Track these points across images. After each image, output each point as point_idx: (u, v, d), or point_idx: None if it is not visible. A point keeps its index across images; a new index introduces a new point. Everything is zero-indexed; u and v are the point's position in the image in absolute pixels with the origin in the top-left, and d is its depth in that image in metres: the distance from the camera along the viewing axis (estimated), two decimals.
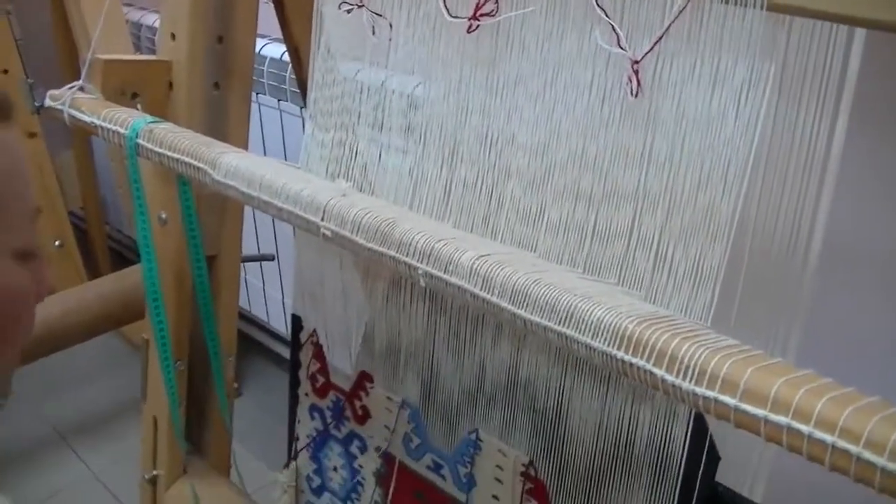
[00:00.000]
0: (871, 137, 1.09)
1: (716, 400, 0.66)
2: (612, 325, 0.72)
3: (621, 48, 0.84)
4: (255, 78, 1.59)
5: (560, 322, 0.75)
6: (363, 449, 1.18)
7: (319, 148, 1.17)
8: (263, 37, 2.28)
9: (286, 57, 2.18)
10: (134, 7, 3.04)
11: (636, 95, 0.83)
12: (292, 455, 1.31)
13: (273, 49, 2.32)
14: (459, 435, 1.04)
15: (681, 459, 0.84)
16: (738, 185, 0.79)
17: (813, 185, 0.80)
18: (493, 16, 0.93)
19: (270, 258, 2.35)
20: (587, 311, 0.74)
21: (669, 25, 0.80)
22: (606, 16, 0.84)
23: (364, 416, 1.17)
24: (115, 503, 2.44)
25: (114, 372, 2.85)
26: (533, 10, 0.90)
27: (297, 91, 2.11)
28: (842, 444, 0.59)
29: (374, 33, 1.06)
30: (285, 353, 1.22)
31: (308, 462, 1.29)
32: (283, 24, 1.77)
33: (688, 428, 0.83)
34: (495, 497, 1.01)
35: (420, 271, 0.87)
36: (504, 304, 0.79)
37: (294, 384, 1.28)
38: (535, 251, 0.93)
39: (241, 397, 2.82)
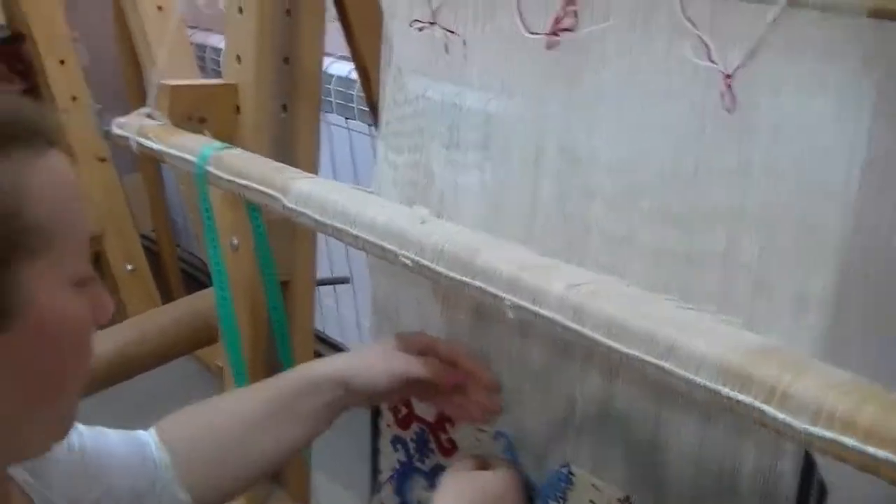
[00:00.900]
0: None
1: (835, 441, 0.61)
2: (716, 358, 0.67)
3: (711, 61, 0.79)
4: (322, 97, 1.55)
5: (660, 356, 0.70)
6: None
7: (393, 171, 1.13)
8: (329, 55, 2.26)
9: (353, 74, 2.15)
10: (199, 29, 3.05)
11: (729, 109, 0.78)
12: (374, 488, 1.27)
13: (340, 67, 2.30)
14: (550, 467, 1.00)
15: (790, 496, 0.79)
16: (845, 200, 0.73)
17: None
18: (572, 31, 0.89)
19: (345, 281, 2.33)
20: (688, 343, 0.69)
21: (762, 36, 0.76)
22: (695, 27, 0.80)
23: (451, 449, 1.13)
24: None
25: (190, 396, 2.84)
26: (614, 23, 0.86)
27: (366, 109, 2.09)
28: None
29: (447, 51, 1.02)
30: None
31: (392, 496, 1.25)
32: (351, 43, 1.74)
33: (797, 463, 0.78)
34: None
35: (507, 303, 0.82)
36: (599, 337, 0.75)
37: (375, 415, 1.24)
38: (625, 278, 0.88)
39: None
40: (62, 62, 2.94)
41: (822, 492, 0.79)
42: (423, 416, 1.16)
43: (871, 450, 0.59)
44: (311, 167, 1.54)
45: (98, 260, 3.19)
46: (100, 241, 3.04)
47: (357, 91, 2.23)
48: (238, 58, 1.41)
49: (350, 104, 2.29)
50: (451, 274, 0.88)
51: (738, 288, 0.79)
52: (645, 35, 0.84)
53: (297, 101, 1.50)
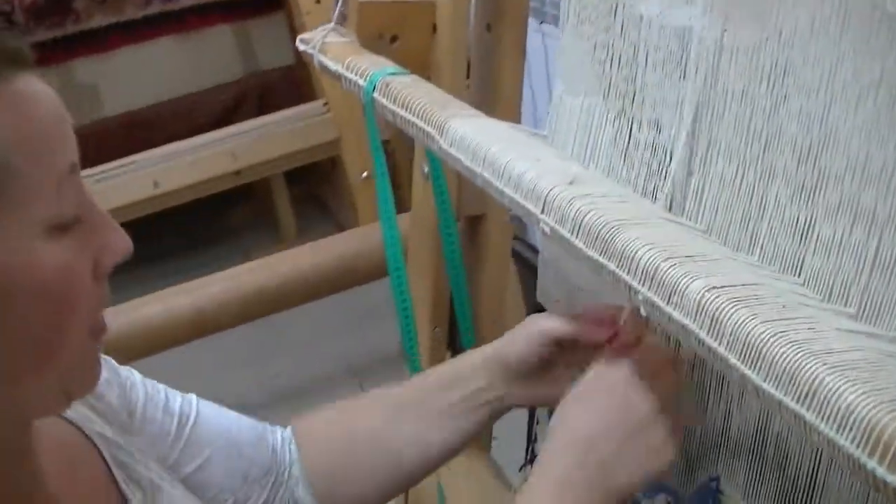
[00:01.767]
0: None
1: None
2: (866, 419, 0.52)
3: None
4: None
5: (797, 398, 0.55)
6: None
7: (568, 116, 0.99)
8: None
9: None
10: None
11: None
12: (528, 458, 1.17)
13: None
14: (698, 479, 0.86)
15: None
16: None
17: None
18: None
19: None
20: (835, 390, 0.54)
21: None
22: None
23: None
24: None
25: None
26: None
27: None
28: None
29: None
30: None
31: None
32: None
33: None
34: None
35: (640, 296, 0.69)
36: (731, 358, 0.60)
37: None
38: (799, 272, 0.72)
39: None
40: None
41: None
42: None
43: None
44: (515, 96, 1.41)
45: (336, 164, 3.19)
46: (337, 146, 3.03)
47: None
48: None
49: (543, 7, 2.04)
50: (589, 252, 0.74)
51: None
52: (843, 4, 0.66)
53: (502, 19, 1.36)
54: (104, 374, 0.76)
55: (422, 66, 1.35)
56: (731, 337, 0.60)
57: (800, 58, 0.70)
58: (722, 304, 0.62)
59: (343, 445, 0.98)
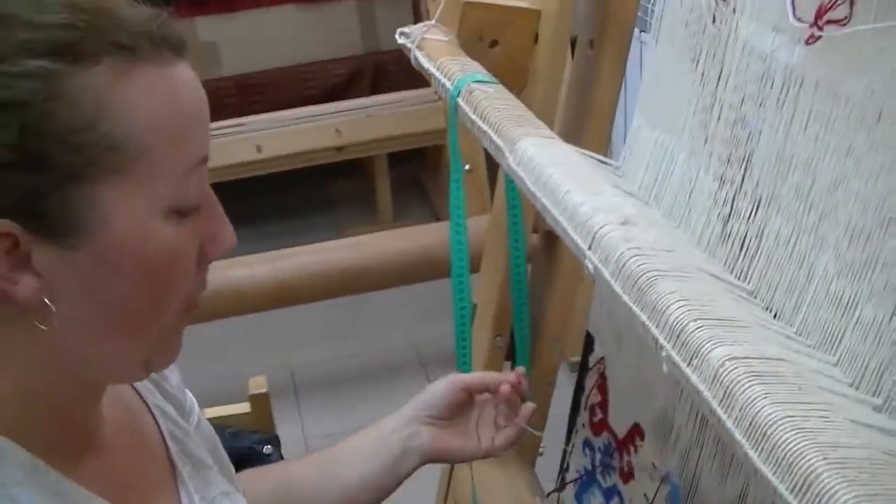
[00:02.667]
0: None
1: None
2: None
3: None
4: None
5: (792, 489, 0.54)
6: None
7: (642, 148, 0.98)
8: None
9: None
10: None
11: None
12: (558, 485, 1.16)
13: None
14: None
15: None
16: None
17: None
18: (842, 25, 0.70)
19: None
20: (829, 487, 0.52)
21: None
22: None
23: (629, 475, 0.99)
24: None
25: None
26: None
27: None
28: None
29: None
30: None
31: (571, 499, 1.13)
32: None
33: None
34: None
35: (664, 353, 0.67)
36: (737, 433, 0.59)
37: (574, 409, 1.12)
38: (835, 350, 0.70)
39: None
40: None
41: None
42: (614, 428, 1.02)
43: None
44: (605, 120, 1.39)
45: (442, 153, 3.19)
46: (443, 135, 3.03)
47: None
48: None
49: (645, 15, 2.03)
50: (624, 298, 0.73)
51: None
52: None
53: (606, 36, 1.34)
54: None
55: (518, 74, 1.34)
56: (741, 413, 0.59)
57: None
58: (738, 376, 0.60)
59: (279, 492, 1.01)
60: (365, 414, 2.42)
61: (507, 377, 1.00)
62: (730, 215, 0.83)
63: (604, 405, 1.05)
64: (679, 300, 0.68)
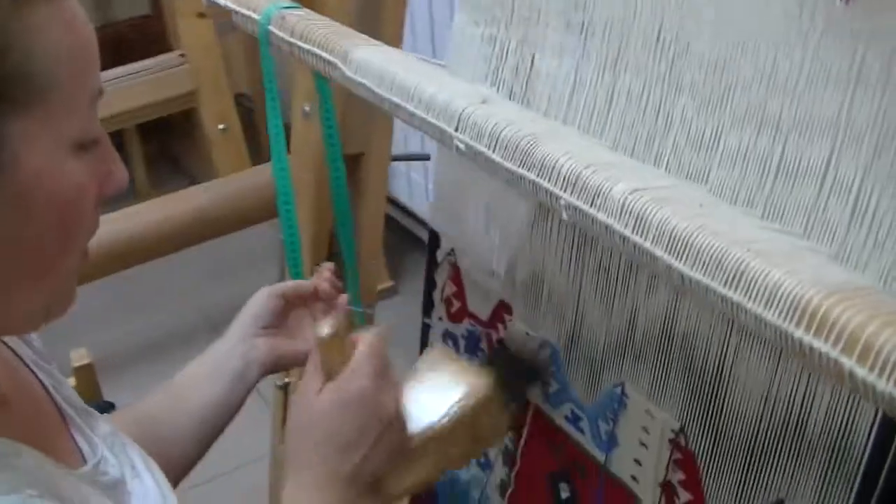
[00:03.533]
0: None
1: None
2: (792, 294, 0.56)
3: None
4: None
5: (727, 283, 0.60)
6: None
7: (469, 45, 1.02)
8: None
9: None
10: None
11: (847, 1, 0.66)
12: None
13: None
14: (603, 387, 0.90)
15: (862, 453, 0.68)
16: None
17: None
18: None
19: (424, 158, 2.23)
20: (762, 272, 0.58)
21: None
22: None
23: None
24: (261, 402, 2.40)
25: (269, 261, 2.81)
26: None
27: None
28: None
29: None
30: None
31: None
32: None
33: (875, 420, 0.67)
34: (637, 462, 0.87)
35: (562, 202, 0.72)
36: (658, 252, 0.65)
37: (428, 307, 1.16)
38: (706, 183, 0.77)
39: (397, 296, 2.75)
40: None
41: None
42: (475, 313, 1.07)
43: None
44: (397, 35, 1.44)
45: (190, 118, 3.15)
46: (193, 97, 2.99)
47: None
48: None
49: None
50: (507, 164, 0.77)
51: (831, 211, 0.68)
52: None
53: None
54: None
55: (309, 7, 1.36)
56: (658, 231, 0.65)
57: None
58: (646, 203, 0.66)
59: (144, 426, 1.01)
60: None
61: (319, 278, 1.08)
62: (574, 86, 0.89)
63: (461, 294, 1.09)
64: (565, 153, 0.74)
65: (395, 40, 1.39)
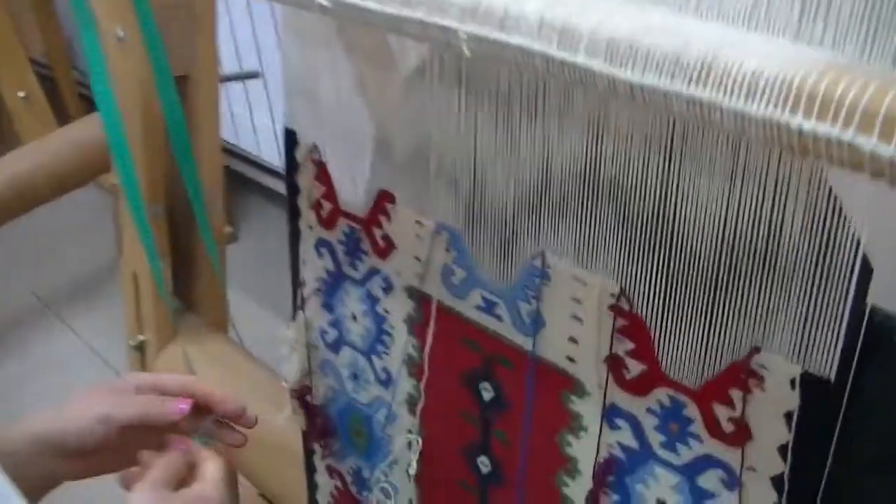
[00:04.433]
0: None
1: None
2: (779, 77, 0.46)
3: None
4: None
5: (693, 80, 0.49)
6: (388, 289, 0.94)
7: None
8: None
9: None
10: None
11: None
12: (299, 304, 1.07)
13: None
14: (518, 262, 0.79)
15: (850, 272, 0.59)
16: None
17: None
18: None
19: (254, 75, 2.07)
20: (735, 62, 0.48)
21: None
22: None
23: (387, 248, 0.92)
24: (111, 374, 2.24)
25: (98, 228, 2.62)
26: None
27: None
28: None
29: None
30: (282, 188, 0.97)
31: (320, 311, 1.05)
32: None
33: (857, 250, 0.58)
34: (573, 340, 0.77)
35: (462, 35, 0.61)
36: (597, 65, 0.54)
37: (294, 216, 1.03)
38: None
39: (237, 242, 2.61)
40: None
41: (866, 272, 0.59)
42: (351, 212, 0.95)
43: None
44: None
45: None
46: None
47: None
48: None
49: None
50: (387, 9, 0.65)
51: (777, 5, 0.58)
52: None
53: None
54: None
55: None
56: (589, 40, 0.54)
57: None
58: (569, 13, 0.55)
59: None
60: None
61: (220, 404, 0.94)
62: None
63: (330, 194, 0.97)
64: None
65: None
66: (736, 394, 0.67)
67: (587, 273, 0.74)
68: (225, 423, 0.95)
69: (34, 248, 2.68)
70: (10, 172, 2.35)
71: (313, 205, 0.99)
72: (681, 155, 0.64)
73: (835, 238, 0.59)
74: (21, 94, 2.83)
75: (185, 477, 0.85)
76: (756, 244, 0.62)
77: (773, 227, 0.61)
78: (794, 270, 0.61)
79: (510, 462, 0.88)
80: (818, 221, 0.59)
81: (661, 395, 0.72)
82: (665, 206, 0.67)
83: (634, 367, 0.73)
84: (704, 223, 0.65)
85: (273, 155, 2.38)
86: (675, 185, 0.66)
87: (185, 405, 0.89)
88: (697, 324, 0.67)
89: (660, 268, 0.69)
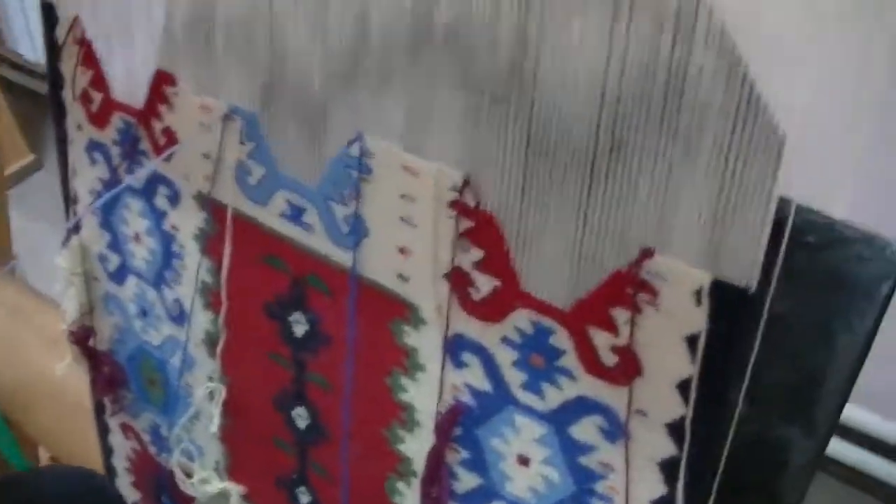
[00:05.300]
0: None
1: None
2: None
3: None
4: None
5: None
6: (174, 198, 0.74)
7: None
8: None
9: None
10: None
11: None
12: (71, 226, 0.86)
13: None
14: (330, 150, 0.60)
15: (777, 153, 0.42)
16: None
17: None
18: None
19: None
20: None
21: None
22: None
23: (169, 144, 0.72)
24: None
25: None
26: None
27: None
28: None
29: None
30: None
31: (97, 233, 0.84)
32: None
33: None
34: (404, 251, 0.58)
35: None
36: None
37: (59, 114, 0.82)
38: None
39: (42, 171, 2.37)
40: None
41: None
42: (126, 102, 0.75)
43: None
44: None
45: None
46: None
47: None
48: None
49: None
50: None
51: None
52: None
53: None
54: None
55: None
56: None
57: None
58: None
59: None
60: None
61: None
62: None
63: (99, 80, 0.76)
64: None
65: None
66: (620, 314, 0.49)
67: (419, 160, 0.55)
68: None
69: None
70: None
71: (80, 96, 0.78)
72: None
73: (758, 92, 0.41)
74: None
75: None
76: (649, 105, 0.45)
77: (671, 77, 0.44)
78: (700, 139, 0.44)
79: (332, 414, 0.69)
80: (736, 66, 0.42)
81: (521, 319, 0.54)
82: (522, 62, 0.48)
83: (485, 284, 0.55)
84: (578, 80, 0.47)
85: (28, 49, 2.11)
86: (535, 29, 0.47)
87: None
88: (568, 220, 0.50)
89: (517, 146, 0.50)
